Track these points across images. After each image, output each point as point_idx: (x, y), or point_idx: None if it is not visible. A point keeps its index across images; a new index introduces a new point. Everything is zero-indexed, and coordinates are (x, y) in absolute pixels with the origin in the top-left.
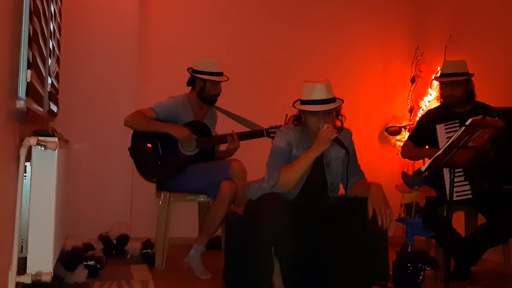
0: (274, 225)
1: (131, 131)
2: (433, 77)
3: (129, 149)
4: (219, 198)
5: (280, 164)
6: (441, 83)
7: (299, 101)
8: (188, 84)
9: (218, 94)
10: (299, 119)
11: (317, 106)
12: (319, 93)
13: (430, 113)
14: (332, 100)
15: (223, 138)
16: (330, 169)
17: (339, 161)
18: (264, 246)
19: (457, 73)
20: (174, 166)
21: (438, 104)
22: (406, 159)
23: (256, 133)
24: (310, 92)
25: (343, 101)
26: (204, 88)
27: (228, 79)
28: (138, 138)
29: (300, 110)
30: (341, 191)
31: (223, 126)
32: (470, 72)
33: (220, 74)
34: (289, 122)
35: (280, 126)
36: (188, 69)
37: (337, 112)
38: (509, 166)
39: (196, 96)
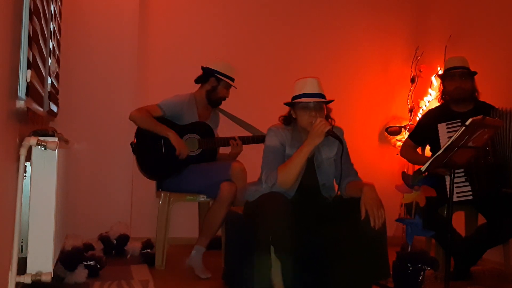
0: (274, 224)
1: (131, 131)
2: (436, 74)
3: (131, 144)
4: (219, 199)
5: (276, 163)
6: (448, 76)
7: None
8: (198, 81)
9: (225, 99)
10: (288, 120)
11: (310, 99)
12: (310, 87)
13: (431, 112)
14: (322, 96)
15: (226, 141)
16: (321, 170)
17: (330, 161)
18: (264, 245)
19: (465, 67)
20: (175, 165)
21: (439, 104)
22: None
23: (258, 138)
24: (302, 87)
25: (333, 100)
26: (216, 88)
27: (236, 88)
28: (142, 134)
29: (290, 109)
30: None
31: (224, 129)
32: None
33: (233, 80)
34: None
35: None
36: (203, 67)
37: (327, 114)
38: (509, 169)
39: (204, 95)
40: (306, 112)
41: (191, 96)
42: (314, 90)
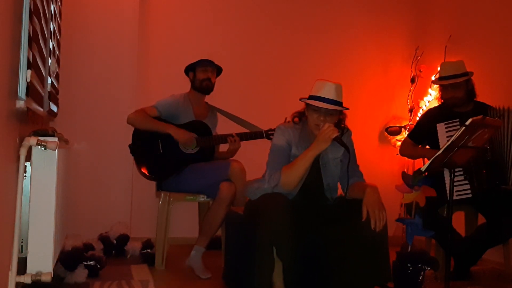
0: (276, 224)
1: (131, 131)
2: (432, 79)
3: (130, 146)
4: (218, 199)
5: (281, 163)
6: (441, 86)
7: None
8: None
9: (209, 79)
10: (301, 116)
11: (320, 103)
12: (326, 92)
13: (430, 112)
14: (338, 103)
15: (223, 138)
16: (326, 170)
17: (337, 161)
18: (265, 245)
19: (457, 75)
20: (173, 165)
21: (439, 103)
22: (406, 159)
23: (256, 134)
24: (319, 89)
25: (347, 108)
26: (195, 76)
27: (219, 67)
28: (139, 135)
29: (305, 105)
30: (340, 191)
31: (222, 127)
32: (468, 71)
33: (210, 62)
34: (290, 119)
35: None
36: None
37: (340, 120)
38: (506, 166)
39: (193, 91)
40: (315, 114)
41: (186, 95)
42: (330, 95)
